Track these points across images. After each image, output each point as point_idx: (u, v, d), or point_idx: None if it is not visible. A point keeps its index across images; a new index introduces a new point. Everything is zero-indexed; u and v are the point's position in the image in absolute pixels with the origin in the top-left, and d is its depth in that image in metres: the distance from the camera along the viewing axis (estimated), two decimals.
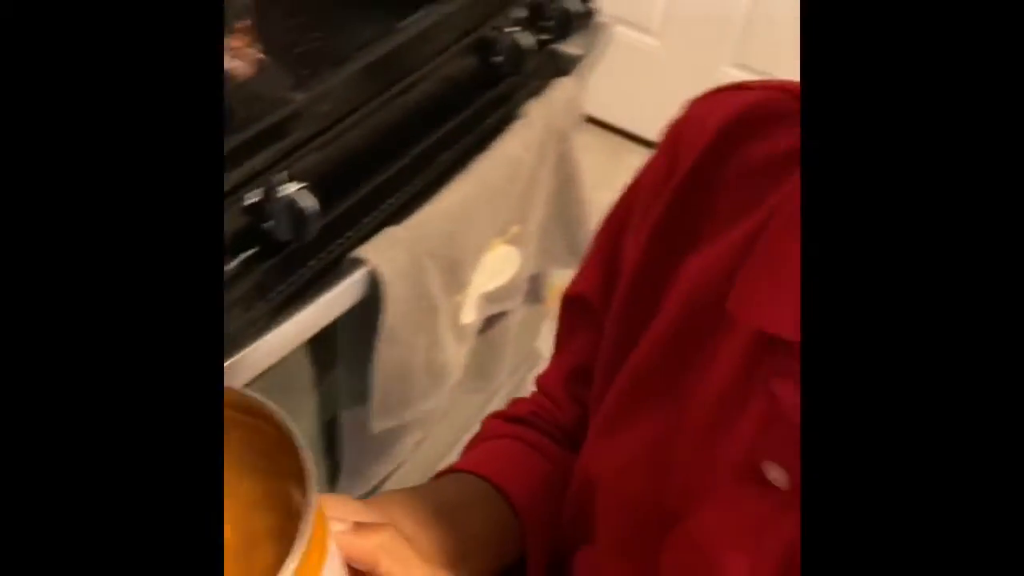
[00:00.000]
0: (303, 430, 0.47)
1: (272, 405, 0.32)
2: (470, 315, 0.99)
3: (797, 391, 0.36)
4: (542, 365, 1.63)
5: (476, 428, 1.43)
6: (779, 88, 0.44)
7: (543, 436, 0.55)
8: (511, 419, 0.57)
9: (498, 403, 1.46)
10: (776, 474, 0.37)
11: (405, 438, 1.04)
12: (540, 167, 1.01)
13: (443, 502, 0.47)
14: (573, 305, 0.54)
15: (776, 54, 2.07)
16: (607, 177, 2.22)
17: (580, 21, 1.06)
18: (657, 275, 0.44)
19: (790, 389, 0.36)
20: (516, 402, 0.58)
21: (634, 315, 0.45)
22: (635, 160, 2.46)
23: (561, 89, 1.03)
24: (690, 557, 0.40)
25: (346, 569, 0.35)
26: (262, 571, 0.29)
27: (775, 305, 0.37)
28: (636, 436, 0.43)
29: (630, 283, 0.45)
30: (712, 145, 0.43)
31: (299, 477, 0.30)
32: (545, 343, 1.56)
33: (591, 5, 1.10)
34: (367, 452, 1.00)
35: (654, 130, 2.14)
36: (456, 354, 0.98)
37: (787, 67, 1.86)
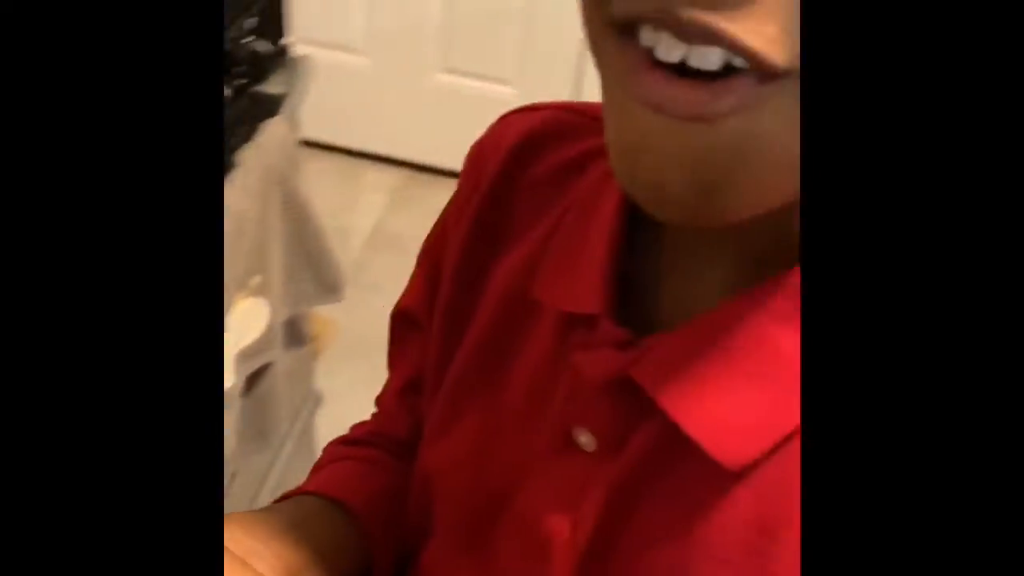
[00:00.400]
0: None
1: None
2: (227, 379, 0.95)
3: (596, 359, 0.38)
4: (324, 407, 1.60)
5: (270, 486, 1.38)
6: (564, 108, 0.49)
7: (382, 453, 0.57)
8: (349, 442, 0.59)
9: (286, 456, 1.42)
10: (584, 438, 0.40)
11: None
12: (267, 212, 0.99)
13: (283, 519, 0.48)
14: (401, 320, 0.57)
15: (480, 54, 2.14)
16: (347, 198, 2.21)
17: (275, 60, 1.05)
18: (471, 283, 0.47)
19: (590, 358, 0.39)
20: (355, 426, 0.60)
21: (454, 322, 0.48)
22: (371, 177, 2.46)
23: (271, 131, 1.02)
24: (520, 533, 0.42)
25: None
26: None
27: (573, 286, 0.41)
28: (464, 429, 0.46)
29: (448, 294, 0.49)
30: (507, 161, 0.47)
31: None
32: (323, 382, 1.53)
33: (283, 42, 1.09)
34: None
35: (383, 144, 2.15)
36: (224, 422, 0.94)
37: (492, 65, 1.94)
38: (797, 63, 0.26)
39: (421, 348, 0.53)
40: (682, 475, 0.36)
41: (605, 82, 0.32)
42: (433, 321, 0.50)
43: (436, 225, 0.54)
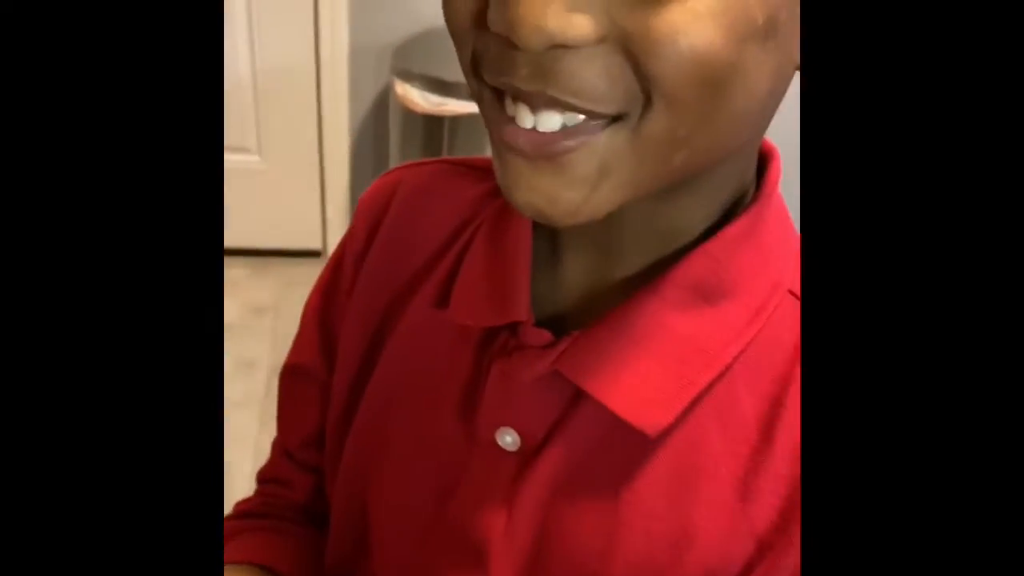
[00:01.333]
0: None
1: None
2: None
3: (524, 360, 0.43)
4: None
5: None
6: (448, 162, 0.54)
7: (280, 521, 0.58)
8: (241, 516, 0.59)
9: None
10: (509, 438, 0.44)
11: None
12: None
13: None
14: (294, 375, 0.58)
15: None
16: None
17: None
18: (380, 324, 0.51)
19: (518, 361, 0.43)
20: (240, 503, 0.61)
21: (366, 362, 0.51)
22: None
23: None
24: (454, 540, 0.46)
25: None
26: None
27: (494, 302, 0.44)
28: (395, 455, 0.49)
29: (355, 337, 0.51)
30: (404, 210, 0.52)
31: None
32: None
33: None
34: None
35: None
36: None
37: (231, 135, 1.90)
38: (626, 107, 0.34)
39: (318, 399, 0.55)
40: (608, 451, 0.42)
41: (487, 126, 0.39)
42: (335, 370, 0.53)
43: (319, 283, 0.57)
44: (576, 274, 0.45)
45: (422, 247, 0.51)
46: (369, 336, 0.51)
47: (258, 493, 0.61)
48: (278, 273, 2.32)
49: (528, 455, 0.44)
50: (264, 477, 0.61)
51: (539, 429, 0.43)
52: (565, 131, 0.35)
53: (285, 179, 2.25)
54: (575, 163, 0.35)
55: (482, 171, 0.52)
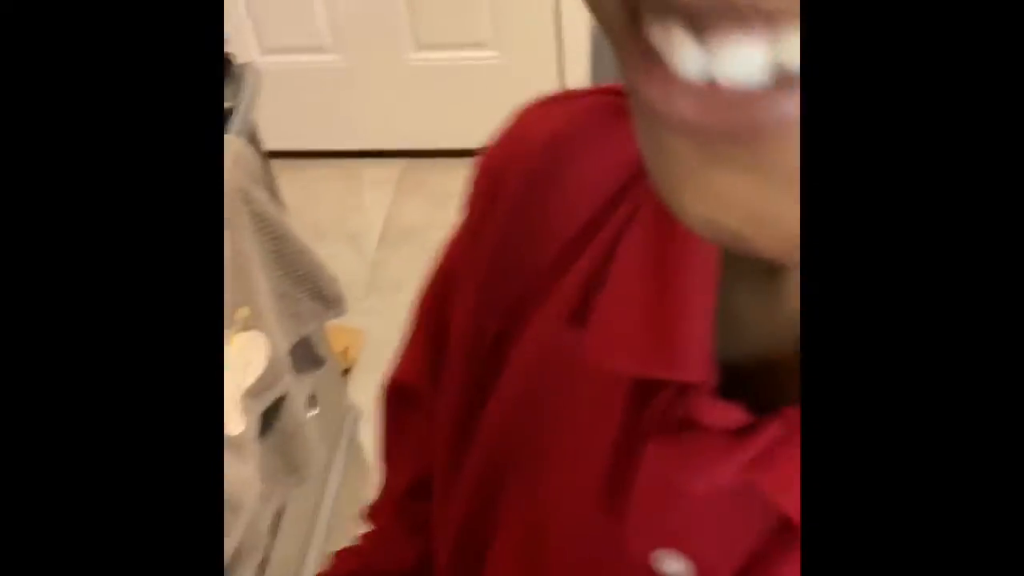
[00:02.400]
0: None
1: None
2: (238, 424, 0.88)
3: (703, 457, 0.27)
4: (367, 419, 1.51)
5: (324, 515, 1.31)
6: (610, 91, 0.36)
7: None
8: None
9: (336, 478, 1.36)
10: (673, 567, 0.29)
11: (240, 569, 0.93)
12: (237, 237, 0.91)
13: None
14: (398, 397, 0.45)
15: (450, 23, 2.04)
16: (352, 200, 2.14)
17: None
18: (499, 332, 0.36)
19: (693, 456, 0.28)
20: (343, 554, 0.49)
21: (478, 388, 0.37)
22: (370, 174, 2.36)
23: (226, 148, 0.93)
24: None
25: None
26: None
27: (648, 337, 0.29)
28: (502, 541, 0.35)
29: (467, 351, 0.37)
30: (540, 165, 0.35)
31: None
32: (361, 395, 1.47)
33: (226, 52, 1.00)
34: None
35: (374, 138, 2.04)
36: (242, 473, 0.87)
37: (466, 31, 1.80)
38: None
39: (426, 434, 0.42)
40: None
41: (624, 81, 0.22)
42: (443, 395, 0.39)
43: (434, 273, 0.42)
44: (789, 304, 0.28)
45: (560, 226, 0.34)
46: (482, 351, 0.36)
47: (363, 542, 0.49)
48: None
49: None
50: (371, 520, 0.49)
51: (724, 562, 0.28)
52: (771, 87, 0.18)
53: (523, 75, 2.14)
54: (795, 144, 0.18)
55: None
